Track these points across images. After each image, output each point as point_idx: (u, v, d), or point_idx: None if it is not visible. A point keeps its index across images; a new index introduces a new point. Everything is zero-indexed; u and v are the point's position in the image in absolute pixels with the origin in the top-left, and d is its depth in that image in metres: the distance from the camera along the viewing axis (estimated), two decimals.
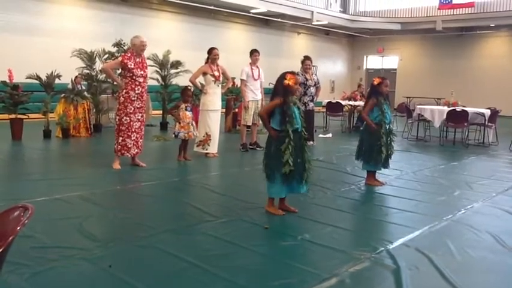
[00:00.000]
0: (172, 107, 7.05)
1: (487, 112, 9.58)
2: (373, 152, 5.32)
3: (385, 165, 5.45)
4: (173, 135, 6.91)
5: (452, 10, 18.98)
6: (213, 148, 7.21)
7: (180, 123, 6.70)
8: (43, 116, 8.96)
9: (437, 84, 20.72)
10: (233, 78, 9.42)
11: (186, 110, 6.74)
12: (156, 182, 5.46)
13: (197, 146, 7.19)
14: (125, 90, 5.95)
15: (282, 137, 4.01)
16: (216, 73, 7.10)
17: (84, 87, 10.81)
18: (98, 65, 9.96)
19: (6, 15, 12.69)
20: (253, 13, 17.69)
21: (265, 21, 19.44)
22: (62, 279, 2.78)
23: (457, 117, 9.43)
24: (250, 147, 8.02)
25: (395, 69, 23.26)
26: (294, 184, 4.10)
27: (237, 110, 10.84)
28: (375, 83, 5.42)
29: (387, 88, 5.44)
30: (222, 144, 7.92)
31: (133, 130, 6.04)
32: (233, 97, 10.95)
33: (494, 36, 20.24)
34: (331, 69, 23.30)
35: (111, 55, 10.03)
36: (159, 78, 11.18)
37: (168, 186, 5.34)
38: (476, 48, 20.68)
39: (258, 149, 7.83)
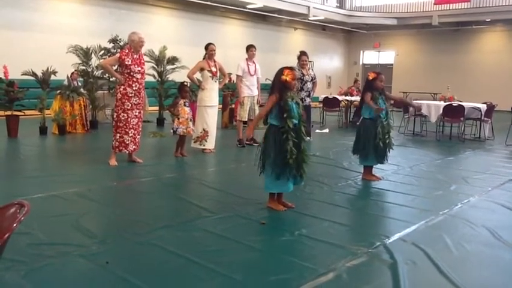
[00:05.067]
0: (171, 105, 7.03)
1: (483, 107, 9.60)
2: (370, 147, 5.33)
3: (383, 160, 5.46)
4: (171, 131, 6.88)
5: (448, 5, 19.01)
6: (210, 144, 7.21)
7: (178, 119, 6.68)
8: (39, 113, 8.93)
9: (434, 79, 20.76)
10: (229, 74, 9.40)
11: (184, 105, 6.73)
12: (153, 178, 5.46)
13: (194, 142, 7.18)
14: (122, 87, 5.93)
15: (281, 132, 4.00)
16: (214, 69, 7.09)
17: (80, 84, 10.76)
18: (94, 61, 9.92)
19: (1, 11, 12.60)
20: (249, 8, 17.65)
21: (262, 17, 19.40)
22: (58, 276, 2.77)
23: (453, 112, 9.45)
24: (247, 143, 8.01)
25: (392, 65, 23.28)
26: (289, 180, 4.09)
27: (233, 105, 10.83)
28: (370, 78, 5.42)
29: (382, 83, 5.42)
30: (219, 140, 7.92)
31: (130, 126, 6.04)
32: (230, 93, 10.94)
33: (490, 31, 20.28)
34: (328, 65, 23.29)
35: (107, 51, 9.98)
36: (156, 74, 11.15)
37: (165, 182, 5.33)
38: (472, 43, 20.70)
39: (255, 144, 7.81)
